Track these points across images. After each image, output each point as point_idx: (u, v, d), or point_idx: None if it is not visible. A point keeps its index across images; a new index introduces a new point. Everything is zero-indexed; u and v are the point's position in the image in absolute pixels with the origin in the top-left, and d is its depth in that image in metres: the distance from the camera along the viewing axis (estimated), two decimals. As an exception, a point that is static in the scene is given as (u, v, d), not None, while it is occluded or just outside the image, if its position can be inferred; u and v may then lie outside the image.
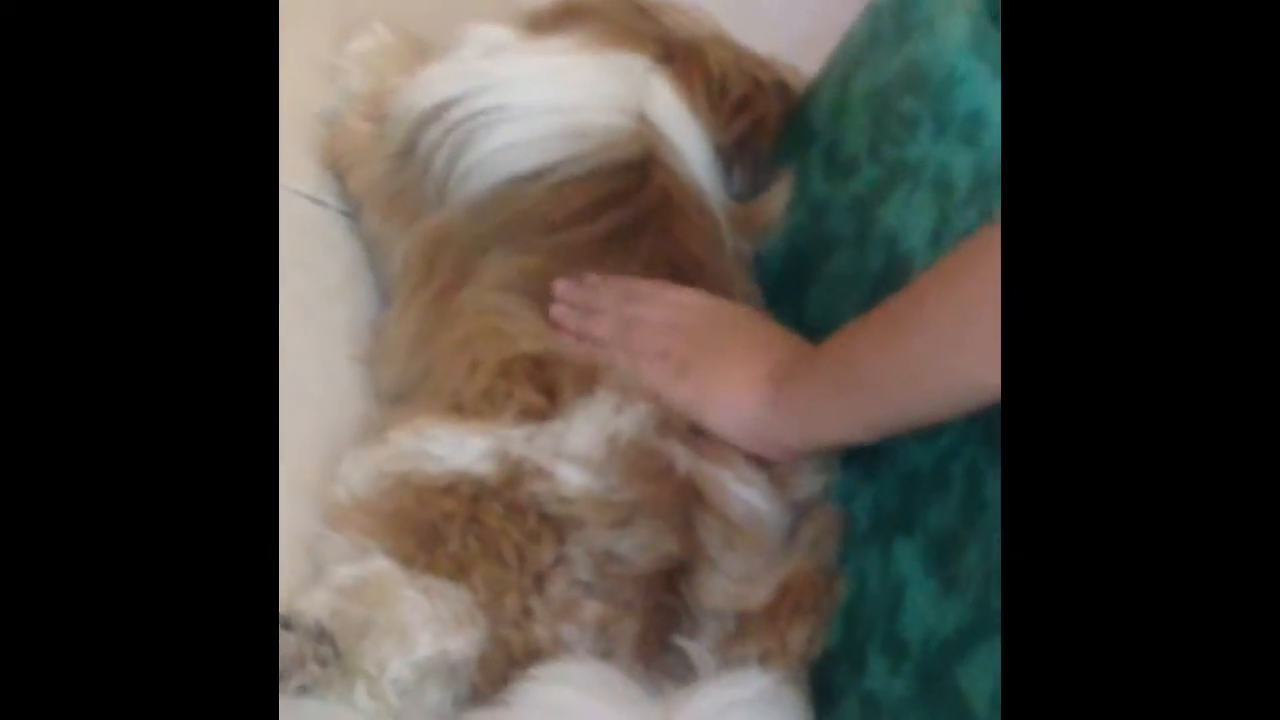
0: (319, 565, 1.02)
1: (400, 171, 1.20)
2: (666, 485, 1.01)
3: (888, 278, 1.06)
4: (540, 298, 1.10)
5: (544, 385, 1.05)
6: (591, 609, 0.99)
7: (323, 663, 0.96)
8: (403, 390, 1.11)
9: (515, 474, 1.01)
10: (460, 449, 1.02)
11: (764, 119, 1.23)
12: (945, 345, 0.91)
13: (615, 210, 1.13)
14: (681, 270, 1.12)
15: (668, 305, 1.09)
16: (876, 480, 1.04)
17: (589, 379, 1.05)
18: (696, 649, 0.99)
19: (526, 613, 0.99)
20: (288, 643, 0.95)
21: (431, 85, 1.20)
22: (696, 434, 1.04)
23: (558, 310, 1.09)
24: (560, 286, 1.10)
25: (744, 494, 1.03)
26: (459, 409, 1.05)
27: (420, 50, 1.28)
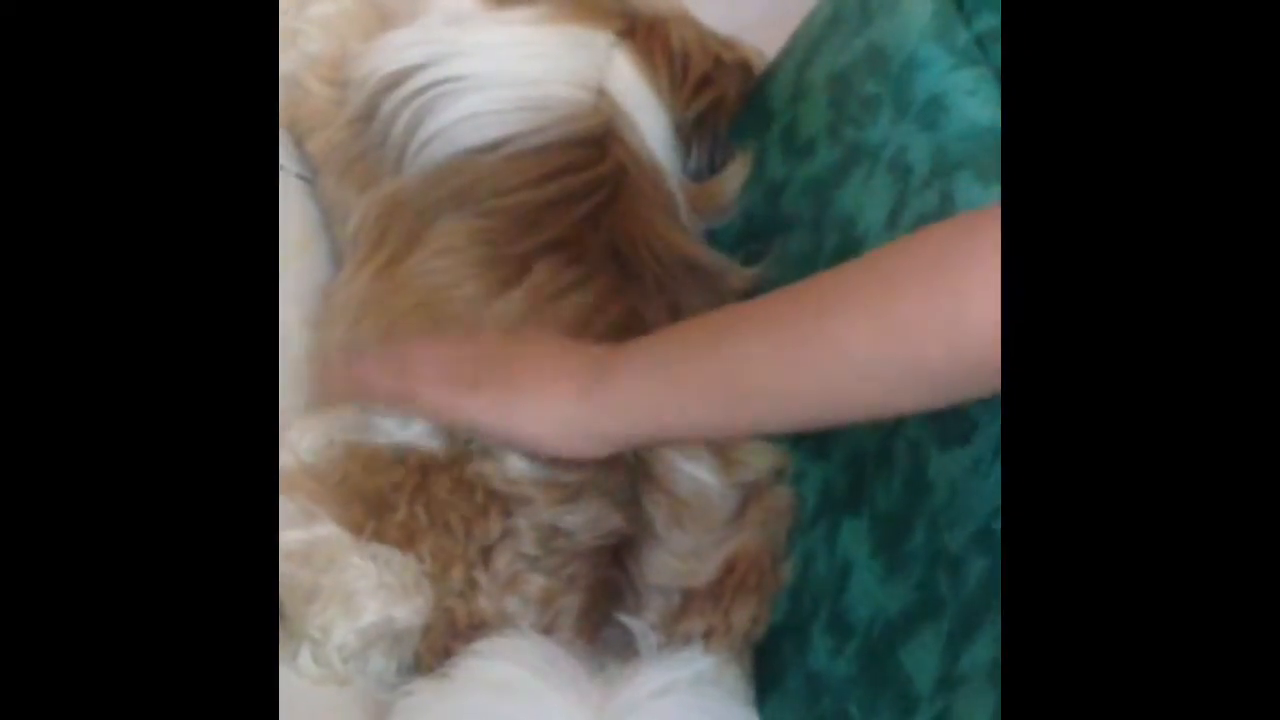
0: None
1: (359, 137, 1.19)
2: (614, 462, 1.00)
3: (843, 259, 1.04)
4: (485, 261, 1.09)
5: None
6: (536, 583, 0.99)
7: (269, 627, 0.96)
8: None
9: (462, 453, 1.01)
10: (406, 425, 1.02)
11: (724, 98, 1.23)
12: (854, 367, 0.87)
13: (567, 177, 1.12)
14: (630, 246, 1.11)
15: (442, 342, 1.05)
16: (826, 460, 1.04)
17: None
18: (640, 625, 0.99)
19: (472, 584, 0.99)
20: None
21: (393, 51, 1.19)
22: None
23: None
24: None
25: (691, 471, 1.03)
26: None
27: (381, 16, 1.27)
